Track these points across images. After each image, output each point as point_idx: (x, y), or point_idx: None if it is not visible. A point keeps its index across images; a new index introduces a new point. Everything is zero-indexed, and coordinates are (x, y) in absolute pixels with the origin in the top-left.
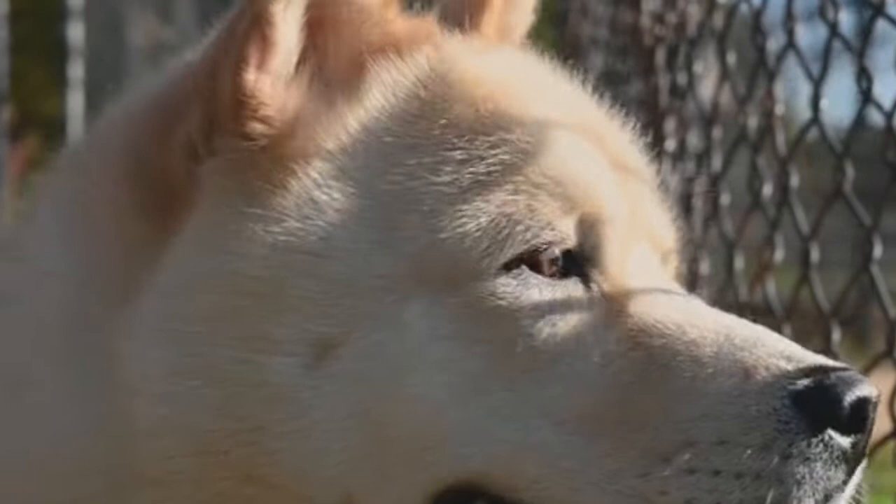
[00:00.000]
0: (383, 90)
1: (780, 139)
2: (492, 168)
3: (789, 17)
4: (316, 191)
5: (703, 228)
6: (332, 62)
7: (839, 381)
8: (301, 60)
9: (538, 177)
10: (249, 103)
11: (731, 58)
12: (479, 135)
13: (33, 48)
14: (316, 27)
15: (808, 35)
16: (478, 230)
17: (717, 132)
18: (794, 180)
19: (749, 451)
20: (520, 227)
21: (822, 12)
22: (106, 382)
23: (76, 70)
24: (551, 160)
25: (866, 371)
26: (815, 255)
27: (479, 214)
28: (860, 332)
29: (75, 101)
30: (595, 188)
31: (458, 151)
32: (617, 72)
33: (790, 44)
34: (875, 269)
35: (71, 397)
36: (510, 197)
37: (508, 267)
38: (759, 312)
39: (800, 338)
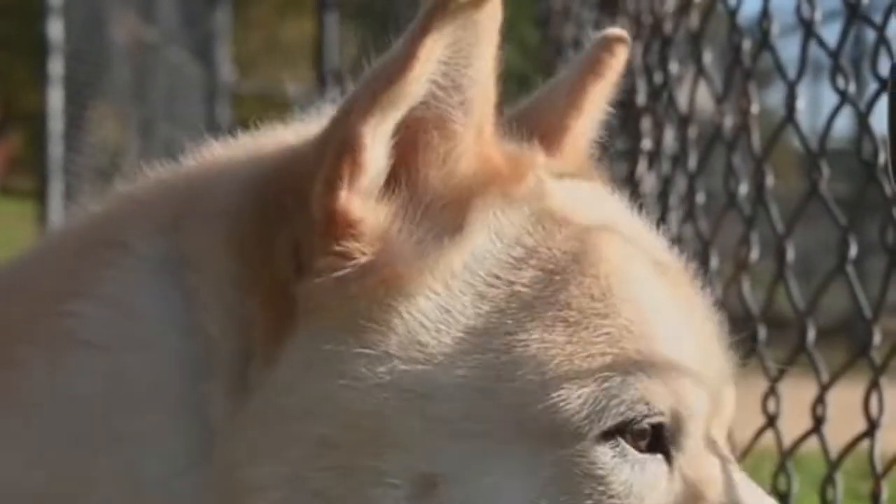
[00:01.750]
0: (488, 232)
1: (756, 138)
2: (597, 338)
3: (765, 17)
4: (423, 334)
5: (678, 227)
6: (428, 190)
7: None
8: (392, 182)
9: (639, 355)
10: (342, 222)
11: (708, 57)
12: (586, 298)
13: (15, 45)
14: (407, 149)
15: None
16: (579, 397)
17: (692, 131)
18: (770, 179)
19: None
20: (616, 401)
21: (798, 11)
22: (210, 457)
23: (57, 67)
24: (653, 341)
25: (842, 371)
26: (790, 254)
27: (582, 381)
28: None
29: (55, 99)
30: (690, 376)
31: (569, 312)
32: None
33: (765, 43)
34: (850, 269)
35: (174, 460)
36: (609, 372)
37: (607, 436)
38: (734, 312)
39: (775, 337)
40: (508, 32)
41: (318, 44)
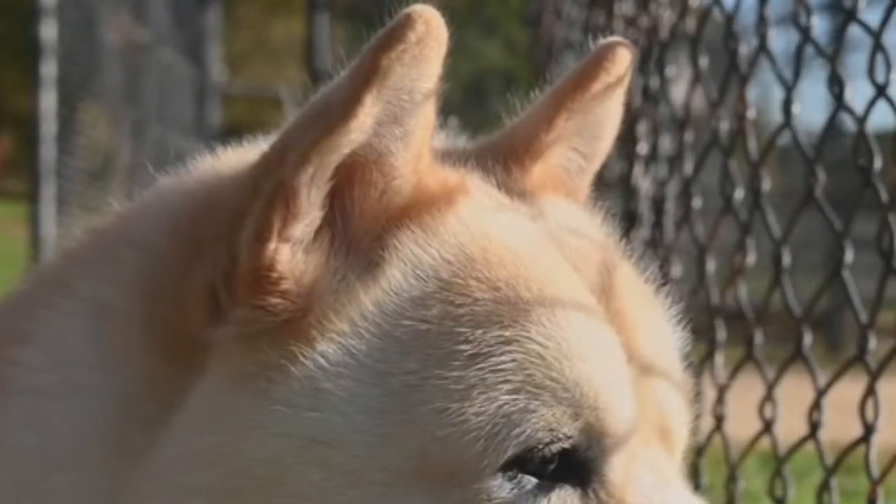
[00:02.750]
0: (403, 267)
1: (752, 143)
2: (500, 367)
3: (762, 22)
4: (324, 380)
5: (675, 232)
6: (356, 228)
7: None
8: (324, 224)
9: (546, 380)
10: (269, 275)
11: (704, 62)
12: (494, 327)
13: (7, 47)
14: (343, 188)
15: (781, 39)
16: (477, 429)
17: (689, 136)
18: (766, 184)
19: None
20: (517, 430)
21: (794, 17)
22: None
23: (49, 69)
24: (564, 364)
25: (838, 375)
26: (786, 259)
27: (480, 414)
28: (832, 337)
29: (48, 100)
30: (605, 396)
31: (470, 346)
32: None
33: (762, 48)
34: (847, 275)
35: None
36: (512, 397)
37: (506, 468)
38: (730, 317)
39: (771, 342)
40: (494, 31)
41: (309, 44)
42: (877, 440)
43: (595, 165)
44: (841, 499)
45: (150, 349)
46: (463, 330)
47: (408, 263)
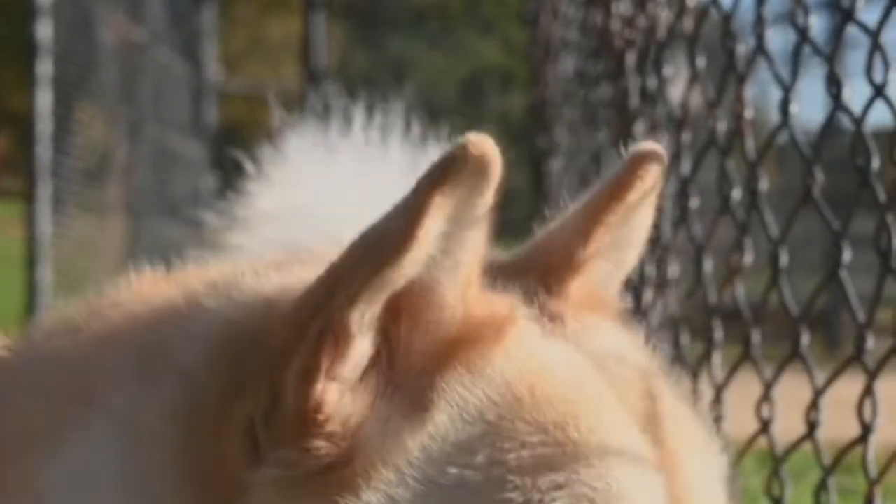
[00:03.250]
0: (450, 410)
1: (750, 143)
2: None
3: (759, 21)
4: None
5: (672, 231)
6: (403, 366)
7: None
8: (371, 364)
9: None
10: (315, 417)
11: (701, 61)
12: (544, 471)
13: (3, 46)
14: (390, 324)
15: (779, 39)
16: None
17: (686, 136)
18: (764, 184)
19: None
20: None
21: (792, 16)
22: None
23: (45, 68)
24: None
25: (835, 375)
26: (784, 259)
27: None
28: (831, 336)
29: (44, 100)
30: None
31: (517, 493)
32: (588, 74)
33: (760, 48)
34: (844, 275)
35: None
36: None
37: None
38: (728, 316)
39: (769, 342)
40: (492, 30)
41: (305, 43)
42: (875, 440)
43: (625, 273)
44: (839, 498)
45: (186, 480)
46: (511, 478)
47: (454, 406)
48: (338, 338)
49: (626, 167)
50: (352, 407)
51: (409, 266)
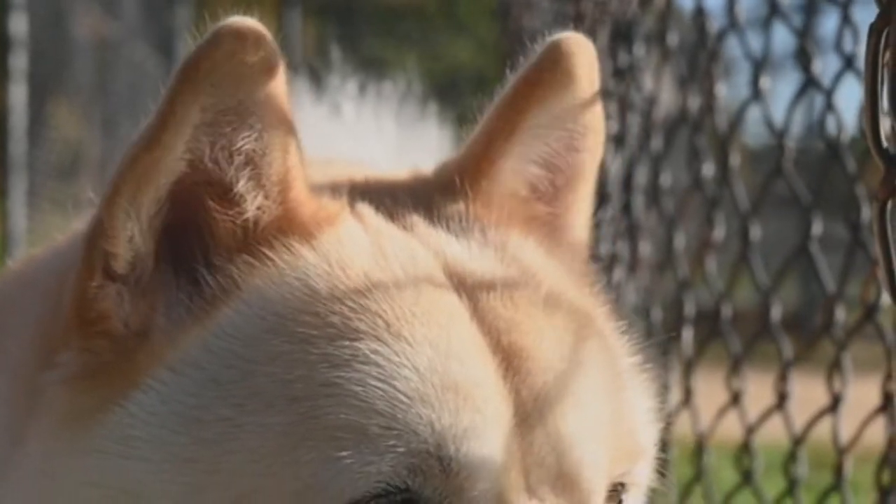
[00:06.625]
0: (239, 306)
1: (721, 119)
2: (323, 412)
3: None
4: (135, 428)
5: (644, 208)
6: (197, 266)
7: None
8: (160, 263)
9: (374, 426)
10: (90, 316)
11: (673, 40)
12: (322, 367)
13: None
14: (179, 224)
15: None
16: (296, 480)
17: (658, 114)
18: (734, 159)
19: None
20: (340, 483)
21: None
22: None
23: (19, 62)
24: (396, 410)
25: (808, 348)
26: (755, 232)
27: (302, 462)
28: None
29: (18, 94)
30: (450, 445)
31: (291, 389)
32: None
33: (731, 24)
34: (814, 248)
35: None
36: (334, 447)
37: None
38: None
39: (738, 318)
40: (465, 31)
41: (280, 40)
42: (843, 409)
43: (577, 181)
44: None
45: (7, 388)
46: (293, 372)
47: (244, 301)
48: (108, 236)
49: (535, 59)
50: (132, 306)
51: (168, 156)
